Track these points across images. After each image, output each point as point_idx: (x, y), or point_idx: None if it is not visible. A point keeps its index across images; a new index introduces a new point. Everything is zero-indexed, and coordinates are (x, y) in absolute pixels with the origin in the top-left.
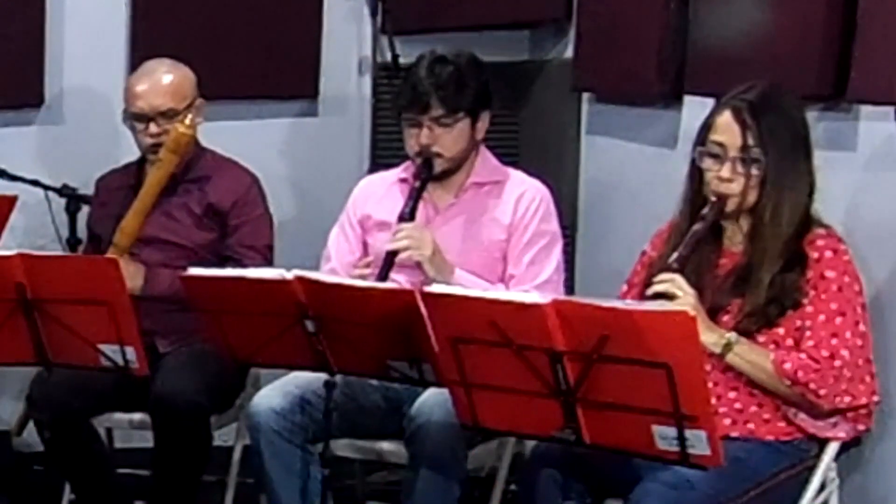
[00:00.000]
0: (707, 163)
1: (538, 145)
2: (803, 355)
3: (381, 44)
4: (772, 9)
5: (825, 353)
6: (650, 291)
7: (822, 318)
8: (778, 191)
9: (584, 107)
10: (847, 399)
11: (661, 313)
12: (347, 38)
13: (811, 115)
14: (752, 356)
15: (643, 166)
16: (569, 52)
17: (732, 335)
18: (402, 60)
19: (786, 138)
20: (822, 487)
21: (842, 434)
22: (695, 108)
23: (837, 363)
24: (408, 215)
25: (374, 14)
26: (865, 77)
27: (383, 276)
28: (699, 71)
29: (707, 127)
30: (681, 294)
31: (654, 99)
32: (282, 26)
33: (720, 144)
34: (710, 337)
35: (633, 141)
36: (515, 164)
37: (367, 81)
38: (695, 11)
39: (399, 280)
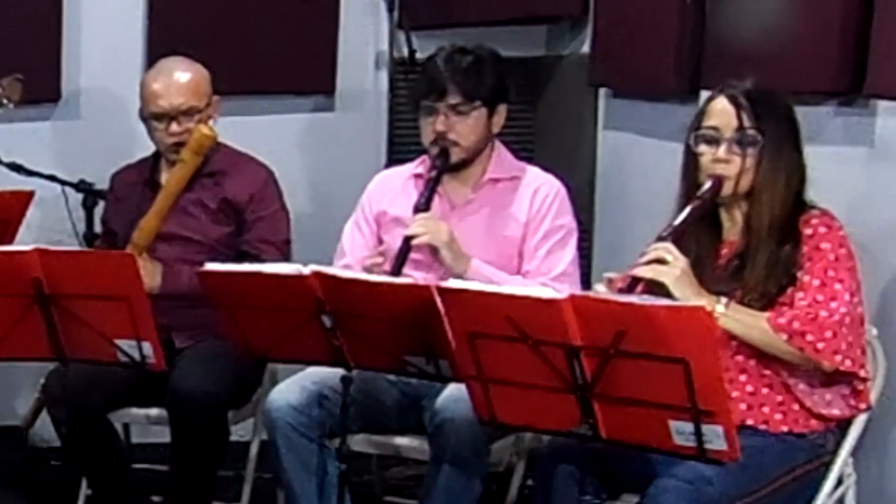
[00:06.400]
0: (702, 147)
1: (555, 140)
2: (798, 311)
3: (397, 39)
4: (789, 4)
5: (822, 311)
6: (643, 259)
7: (816, 282)
8: (774, 173)
9: (601, 102)
10: (848, 363)
11: (677, 308)
12: (364, 33)
13: (828, 111)
14: (746, 317)
15: (659, 161)
16: (586, 48)
17: (724, 299)
18: (418, 55)
19: (780, 123)
20: (839, 483)
21: (836, 412)
22: None
23: (835, 318)
24: (423, 206)
25: (390, 9)
26: (882, 72)
27: (399, 265)
28: (716, 66)
29: (701, 114)
30: (671, 259)
31: (670, 94)
32: (298, 22)
33: (715, 128)
34: (702, 301)
35: (649, 136)
36: (531, 160)
37: (384, 76)
38: (712, 6)
39: (416, 277)
